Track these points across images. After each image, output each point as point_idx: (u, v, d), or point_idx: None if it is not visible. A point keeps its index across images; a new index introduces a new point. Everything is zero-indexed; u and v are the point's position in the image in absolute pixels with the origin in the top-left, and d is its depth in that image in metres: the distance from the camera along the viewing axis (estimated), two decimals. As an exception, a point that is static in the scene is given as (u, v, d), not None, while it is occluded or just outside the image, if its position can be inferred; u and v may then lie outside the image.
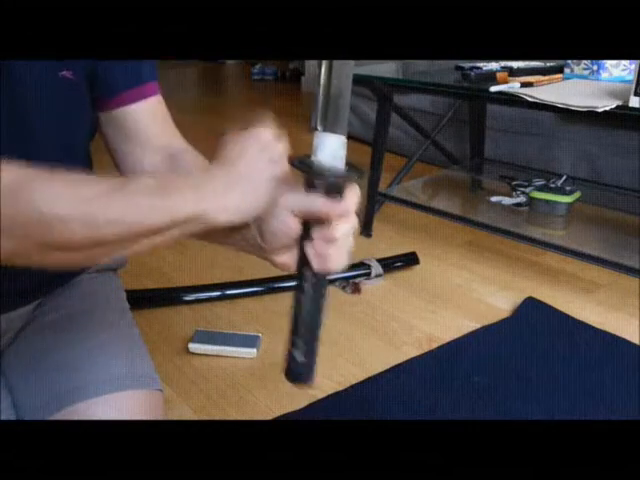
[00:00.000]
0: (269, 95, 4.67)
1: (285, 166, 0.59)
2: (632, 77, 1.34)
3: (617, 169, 2.09)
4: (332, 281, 1.61)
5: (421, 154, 2.17)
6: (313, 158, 0.56)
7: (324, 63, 0.55)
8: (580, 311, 1.50)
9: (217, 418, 1.14)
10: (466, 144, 2.42)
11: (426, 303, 1.57)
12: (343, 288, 1.62)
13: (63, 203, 0.50)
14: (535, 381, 1.24)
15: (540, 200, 1.87)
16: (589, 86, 1.55)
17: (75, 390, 0.71)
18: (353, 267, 1.66)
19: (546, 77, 1.60)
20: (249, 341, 1.35)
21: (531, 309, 1.50)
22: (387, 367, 1.29)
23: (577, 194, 1.87)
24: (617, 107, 1.32)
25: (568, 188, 1.86)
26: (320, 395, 1.20)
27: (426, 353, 1.34)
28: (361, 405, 1.17)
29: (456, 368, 1.28)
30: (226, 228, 0.58)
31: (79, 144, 0.78)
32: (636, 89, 1.30)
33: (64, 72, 0.69)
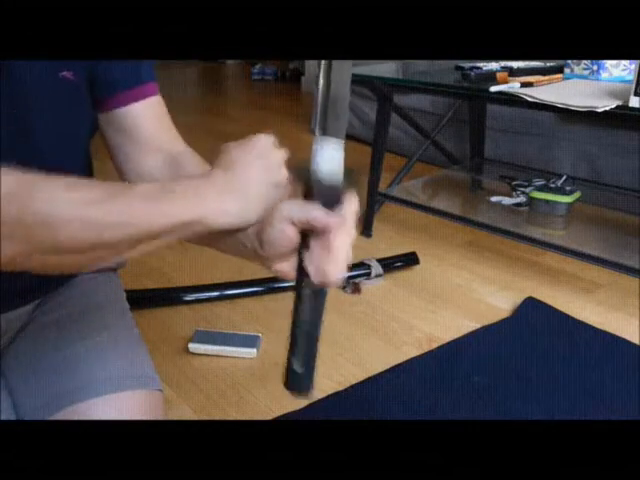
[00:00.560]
0: (269, 95, 4.67)
1: (284, 173, 0.59)
2: (632, 77, 1.34)
3: (617, 169, 2.09)
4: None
5: (421, 154, 2.17)
6: (311, 166, 0.56)
7: (322, 68, 0.55)
8: (580, 311, 1.50)
9: (217, 418, 1.14)
10: (466, 144, 2.42)
11: (426, 303, 1.57)
12: (343, 288, 1.62)
13: (63, 208, 0.50)
14: (535, 381, 1.24)
15: (540, 200, 1.87)
16: (589, 86, 1.55)
17: (75, 390, 0.71)
18: (353, 267, 1.66)
19: (546, 77, 1.60)
20: (249, 341, 1.35)
21: (531, 309, 1.50)
22: (387, 367, 1.29)
23: (577, 194, 1.87)
24: (617, 107, 1.32)
25: (568, 188, 1.86)
26: (320, 395, 1.20)
27: (426, 353, 1.34)
28: (361, 405, 1.17)
29: (456, 368, 1.28)
30: (224, 233, 0.58)
31: (79, 144, 0.78)
32: (636, 89, 1.30)
33: (64, 72, 0.69)
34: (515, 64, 1.72)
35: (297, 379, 0.60)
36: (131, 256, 0.56)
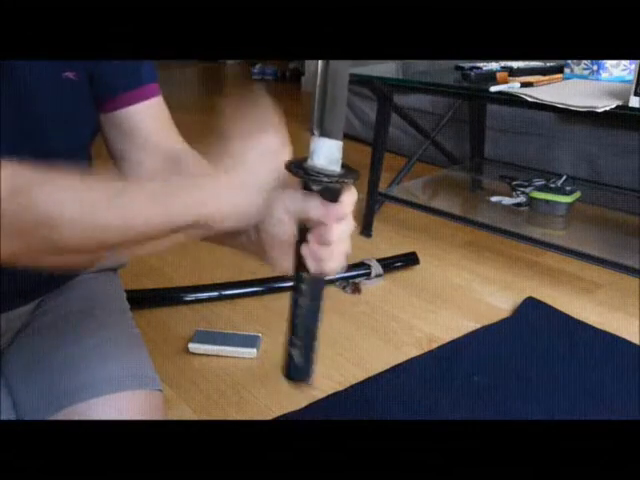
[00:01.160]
0: (269, 95, 4.66)
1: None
2: (632, 77, 1.34)
3: (617, 169, 2.09)
4: (332, 281, 1.61)
5: (421, 154, 2.17)
6: (309, 162, 0.56)
7: (319, 68, 0.55)
8: (580, 311, 1.50)
9: (217, 418, 1.14)
10: (466, 144, 2.42)
11: (426, 303, 1.57)
12: (343, 288, 1.62)
13: (65, 206, 0.50)
14: (535, 381, 1.24)
15: (540, 200, 1.87)
16: (589, 86, 1.55)
17: (75, 390, 0.71)
18: (353, 267, 1.66)
19: (546, 77, 1.60)
20: (249, 341, 1.35)
21: (531, 309, 1.50)
22: (387, 367, 1.29)
23: (577, 194, 1.87)
24: (617, 107, 1.32)
25: (568, 188, 1.86)
26: (320, 395, 1.20)
27: (426, 353, 1.34)
28: (361, 405, 1.17)
29: (456, 368, 1.28)
30: (228, 232, 0.58)
31: (81, 145, 0.78)
32: (636, 89, 1.30)
33: (67, 73, 0.69)
34: (515, 64, 1.72)
35: (296, 368, 0.61)
36: (136, 254, 0.55)
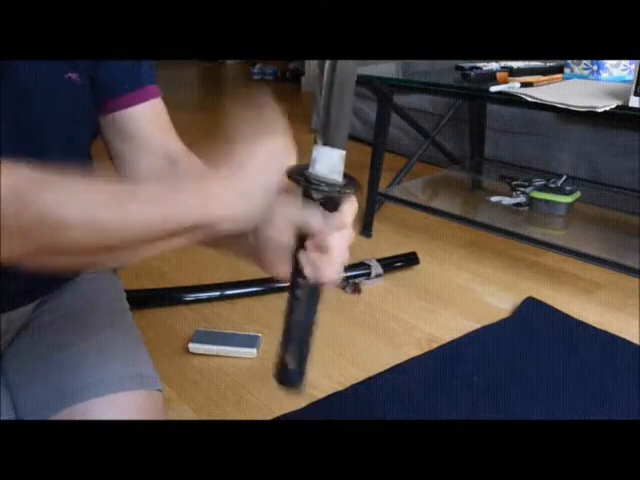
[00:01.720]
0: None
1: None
2: (632, 77, 1.34)
3: (617, 169, 2.09)
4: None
5: (421, 154, 2.17)
6: (311, 170, 0.56)
7: (325, 79, 0.55)
8: (580, 311, 1.50)
9: (217, 418, 1.14)
10: (466, 144, 2.42)
11: (426, 303, 1.57)
12: (343, 288, 1.62)
13: (67, 209, 0.49)
14: (535, 381, 1.24)
15: (540, 200, 1.87)
16: (589, 86, 1.55)
17: (75, 390, 0.71)
18: (353, 267, 1.66)
19: (546, 77, 1.60)
20: (249, 341, 1.35)
21: (531, 309, 1.50)
22: (387, 367, 1.29)
23: (577, 194, 1.87)
24: (617, 107, 1.32)
25: (568, 188, 1.86)
26: (320, 395, 1.20)
27: (426, 353, 1.34)
28: (361, 405, 1.17)
29: (456, 368, 1.28)
30: (229, 236, 0.58)
31: (81, 146, 0.78)
32: (636, 89, 1.30)
33: (69, 74, 0.69)
34: (515, 64, 1.72)
35: (289, 374, 0.61)
36: (138, 257, 0.55)
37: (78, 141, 0.76)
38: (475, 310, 1.53)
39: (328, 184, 0.56)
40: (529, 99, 1.43)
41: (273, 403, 1.18)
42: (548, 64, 1.71)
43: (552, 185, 1.89)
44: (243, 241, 0.62)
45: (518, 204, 1.95)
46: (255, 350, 1.32)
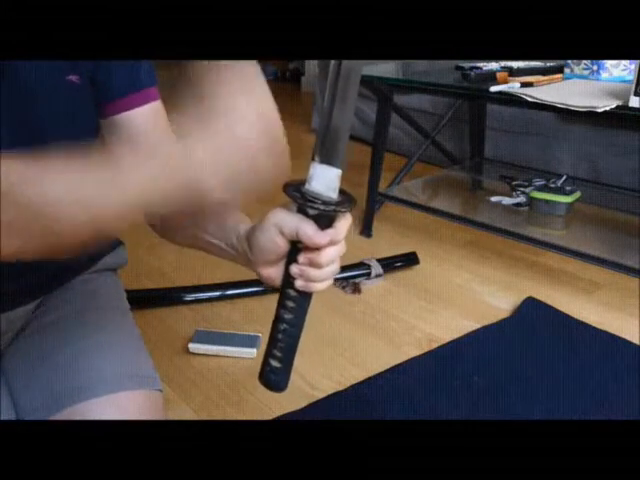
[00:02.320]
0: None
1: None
2: (632, 77, 1.34)
3: (617, 169, 2.09)
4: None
5: (421, 154, 2.17)
6: (307, 187, 0.57)
7: (326, 99, 0.56)
8: (580, 311, 1.50)
9: (217, 418, 1.14)
10: (466, 144, 2.42)
11: (426, 303, 1.57)
12: (343, 288, 1.62)
13: (60, 196, 0.49)
14: (535, 381, 1.24)
15: (540, 200, 1.87)
16: (589, 86, 1.55)
17: (75, 390, 0.71)
18: (353, 267, 1.66)
19: (546, 77, 1.60)
20: (249, 341, 1.35)
21: (531, 309, 1.50)
22: (387, 367, 1.29)
23: (577, 194, 1.87)
24: (617, 107, 1.32)
25: (568, 188, 1.86)
26: (320, 395, 1.20)
27: (426, 353, 1.34)
28: (361, 405, 1.17)
29: (456, 368, 1.28)
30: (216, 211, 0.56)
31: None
32: (636, 89, 1.30)
33: (70, 76, 0.69)
34: (515, 64, 1.72)
35: (273, 378, 0.62)
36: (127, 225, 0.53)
37: (78, 143, 0.75)
38: (475, 310, 1.53)
39: (324, 202, 0.56)
40: (529, 99, 1.43)
41: (273, 403, 1.18)
42: (548, 64, 1.71)
43: (552, 185, 1.89)
44: (235, 243, 0.63)
45: (518, 204, 1.95)
46: (255, 350, 1.32)
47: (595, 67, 1.61)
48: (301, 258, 0.58)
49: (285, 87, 4.81)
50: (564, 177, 1.92)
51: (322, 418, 1.12)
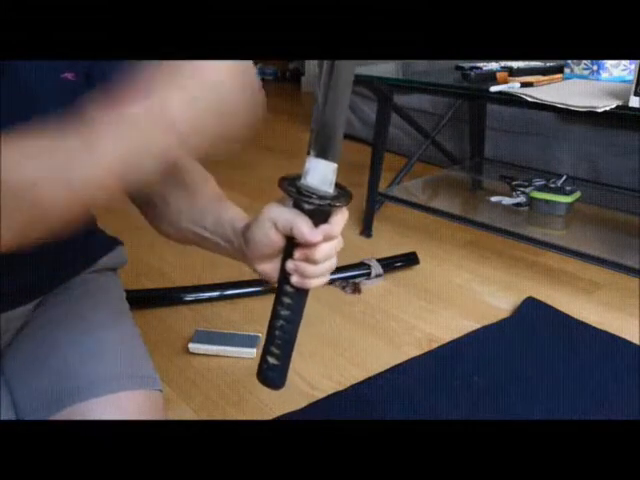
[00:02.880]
0: (269, 95, 4.66)
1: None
2: (632, 77, 1.34)
3: (617, 169, 2.09)
4: (332, 281, 1.61)
5: (421, 154, 2.17)
6: (302, 181, 0.57)
7: (320, 94, 0.56)
8: (580, 311, 1.50)
9: (217, 418, 1.14)
10: (466, 144, 2.42)
11: (426, 303, 1.57)
12: (343, 288, 1.62)
13: (30, 169, 0.48)
14: (535, 381, 1.24)
15: (540, 200, 1.87)
16: (589, 86, 1.55)
17: (75, 390, 0.71)
18: (353, 267, 1.66)
19: (546, 77, 1.60)
20: (249, 341, 1.35)
21: (531, 309, 1.50)
22: (387, 367, 1.29)
23: (577, 194, 1.87)
24: (617, 107, 1.32)
25: (568, 188, 1.86)
26: (320, 395, 1.20)
27: (426, 353, 1.34)
28: (361, 405, 1.17)
29: (456, 368, 1.28)
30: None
31: None
32: (636, 89, 1.30)
33: (66, 74, 0.68)
34: (515, 64, 1.72)
35: (271, 375, 0.62)
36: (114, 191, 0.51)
37: None
38: (475, 310, 1.53)
39: (319, 196, 0.56)
40: (529, 99, 1.43)
41: (273, 403, 1.18)
42: (548, 64, 1.71)
43: (552, 185, 1.89)
44: (231, 238, 0.63)
45: (518, 204, 1.95)
46: (255, 350, 1.32)
47: (595, 67, 1.61)
48: (297, 254, 0.58)
49: (285, 87, 4.81)
50: (564, 177, 1.92)
51: (322, 418, 1.12)
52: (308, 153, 0.56)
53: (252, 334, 1.37)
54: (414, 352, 1.35)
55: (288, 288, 0.60)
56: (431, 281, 1.69)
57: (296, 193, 0.56)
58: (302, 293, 0.61)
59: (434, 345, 1.37)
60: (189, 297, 1.55)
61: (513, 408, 1.16)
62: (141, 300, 1.49)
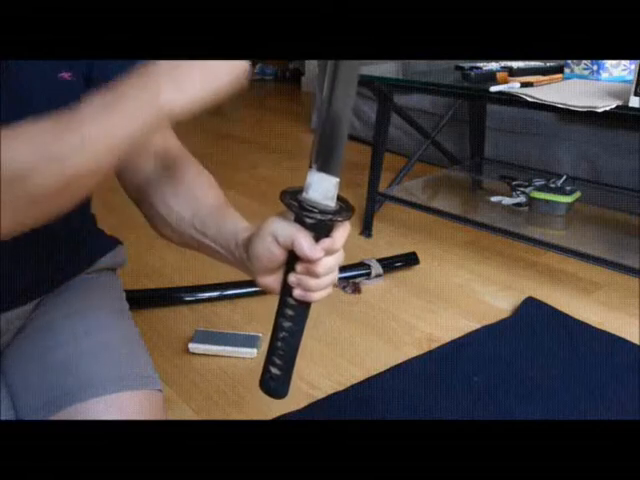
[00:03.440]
0: (269, 95, 4.67)
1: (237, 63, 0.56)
2: (632, 77, 1.34)
3: (617, 169, 2.09)
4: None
5: (421, 154, 2.17)
6: (304, 195, 0.57)
7: (322, 108, 0.56)
8: (580, 311, 1.50)
9: (217, 418, 1.14)
10: (466, 144, 2.42)
11: (426, 303, 1.57)
12: (343, 288, 1.62)
13: (23, 157, 0.49)
14: (535, 381, 1.24)
15: (540, 200, 1.87)
16: (589, 86, 1.55)
17: (75, 390, 0.71)
18: (353, 267, 1.66)
19: (546, 77, 1.59)
20: (249, 341, 1.35)
21: (531, 309, 1.50)
22: (387, 367, 1.29)
23: (577, 194, 1.87)
24: (617, 107, 1.32)
25: (568, 188, 1.86)
26: (320, 395, 1.20)
27: (426, 353, 1.34)
28: (361, 405, 1.17)
29: (456, 368, 1.28)
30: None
31: None
32: (636, 89, 1.30)
33: (63, 73, 0.68)
34: (515, 64, 1.72)
35: (274, 385, 0.62)
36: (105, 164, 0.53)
37: None
38: (475, 310, 1.53)
39: (321, 211, 0.56)
40: (529, 99, 1.43)
41: (273, 403, 1.17)
42: (548, 64, 1.71)
43: (552, 185, 1.89)
44: (233, 249, 0.64)
45: (518, 204, 1.95)
46: (255, 350, 1.32)
47: (595, 67, 1.61)
48: (299, 267, 0.58)
49: (285, 87, 4.82)
50: (564, 177, 1.92)
51: (322, 418, 1.12)
52: (310, 167, 0.57)
53: (252, 334, 1.37)
54: (414, 352, 1.35)
55: (290, 300, 0.60)
56: (431, 281, 1.69)
57: (298, 207, 0.56)
58: (304, 305, 0.61)
59: (434, 345, 1.37)
60: (189, 297, 1.55)
61: (513, 408, 1.16)
62: (141, 300, 1.49)
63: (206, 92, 0.54)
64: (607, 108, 1.32)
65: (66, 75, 0.69)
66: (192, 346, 1.34)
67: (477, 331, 1.43)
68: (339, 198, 0.58)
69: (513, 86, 1.52)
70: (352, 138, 2.84)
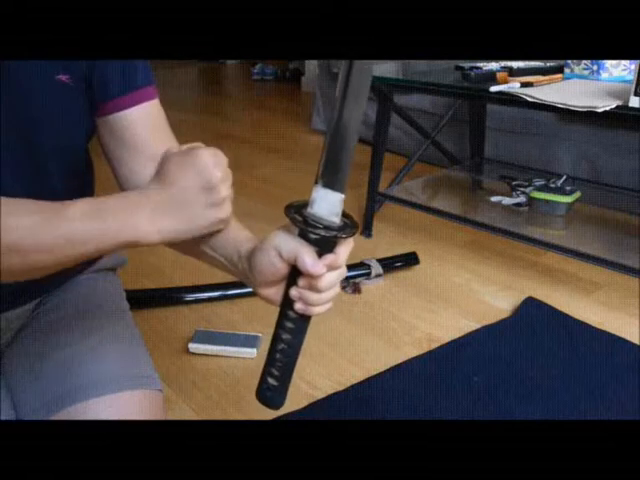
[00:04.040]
0: (269, 95, 4.67)
1: (224, 192, 0.63)
2: (632, 77, 1.34)
3: (617, 169, 2.09)
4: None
5: (421, 154, 2.17)
6: (309, 210, 0.57)
7: (329, 125, 0.56)
8: (580, 311, 1.50)
9: (217, 418, 1.14)
10: (466, 144, 2.42)
11: (426, 303, 1.57)
12: (343, 288, 1.62)
13: (9, 238, 0.54)
14: (535, 381, 1.24)
15: (540, 200, 1.87)
16: (589, 86, 1.55)
17: (75, 390, 0.71)
18: (353, 267, 1.66)
19: (546, 77, 1.60)
20: (249, 341, 1.35)
21: (531, 309, 1.50)
22: (387, 367, 1.29)
23: (577, 194, 1.87)
24: (617, 107, 1.32)
25: (568, 188, 1.86)
26: (320, 395, 1.20)
27: (426, 353, 1.34)
28: (361, 405, 1.17)
29: (456, 368, 1.28)
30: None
31: (77, 146, 0.77)
32: (636, 89, 1.30)
33: (60, 76, 0.68)
34: (515, 64, 1.72)
35: (269, 393, 0.62)
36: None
37: (72, 142, 0.75)
38: (475, 310, 1.53)
39: (325, 227, 0.56)
40: (529, 99, 1.43)
41: (273, 403, 1.18)
42: (548, 64, 1.71)
43: (552, 185, 1.89)
44: (236, 261, 0.66)
45: (518, 204, 1.95)
46: (255, 350, 1.32)
47: (595, 67, 1.61)
48: (301, 282, 0.59)
49: (285, 87, 4.82)
50: (564, 177, 1.92)
51: (322, 418, 1.12)
52: (316, 182, 0.57)
53: (252, 334, 1.37)
54: (414, 352, 1.35)
55: (291, 313, 0.60)
56: (431, 281, 1.69)
57: (302, 223, 0.56)
58: (304, 319, 0.61)
59: (434, 345, 1.37)
60: (189, 297, 1.55)
61: (513, 408, 1.16)
62: (141, 300, 1.49)
63: (179, 234, 0.62)
64: (607, 108, 1.32)
65: (64, 78, 0.68)
66: (192, 346, 1.34)
67: (477, 331, 1.43)
68: (343, 214, 0.58)
69: (513, 86, 1.52)
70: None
